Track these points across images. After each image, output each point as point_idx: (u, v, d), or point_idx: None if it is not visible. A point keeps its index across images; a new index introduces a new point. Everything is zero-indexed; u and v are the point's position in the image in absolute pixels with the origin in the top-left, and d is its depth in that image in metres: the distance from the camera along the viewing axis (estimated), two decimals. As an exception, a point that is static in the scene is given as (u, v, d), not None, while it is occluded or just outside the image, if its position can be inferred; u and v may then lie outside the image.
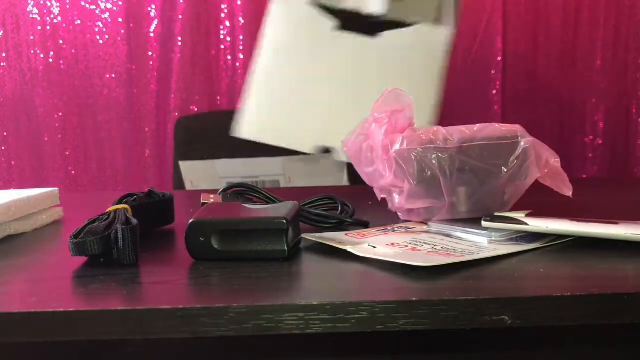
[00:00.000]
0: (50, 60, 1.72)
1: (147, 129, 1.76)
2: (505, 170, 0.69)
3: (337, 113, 1.09)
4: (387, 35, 1.08)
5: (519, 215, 0.66)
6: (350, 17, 1.09)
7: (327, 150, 1.09)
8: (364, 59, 1.09)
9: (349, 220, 0.72)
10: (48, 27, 1.71)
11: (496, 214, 0.68)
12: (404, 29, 1.08)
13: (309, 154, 1.14)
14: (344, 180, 1.30)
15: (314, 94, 1.09)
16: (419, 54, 1.10)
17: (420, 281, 0.52)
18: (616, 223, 0.62)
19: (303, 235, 0.64)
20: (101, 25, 1.72)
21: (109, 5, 1.71)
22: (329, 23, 1.09)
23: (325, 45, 1.09)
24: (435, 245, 0.61)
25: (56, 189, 0.80)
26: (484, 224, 0.64)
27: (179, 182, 1.51)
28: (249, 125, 1.11)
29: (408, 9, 1.11)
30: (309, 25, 1.09)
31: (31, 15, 1.71)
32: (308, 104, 1.09)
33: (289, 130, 1.09)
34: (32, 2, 1.71)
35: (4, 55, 1.72)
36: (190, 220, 0.58)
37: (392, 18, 1.09)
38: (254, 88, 1.12)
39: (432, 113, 1.09)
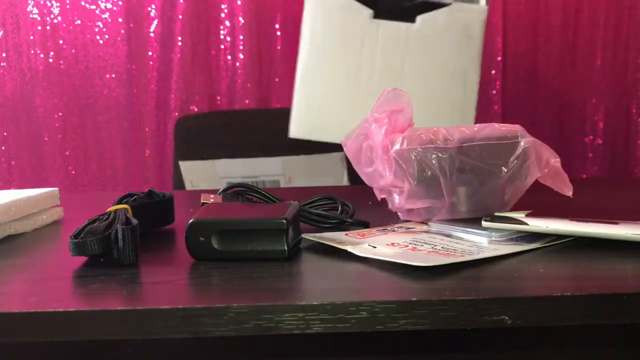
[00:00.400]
0: (50, 60, 1.72)
1: (147, 129, 1.76)
2: (505, 170, 0.69)
3: None
4: (423, 19, 1.08)
5: (519, 215, 0.66)
6: (386, 4, 1.09)
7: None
8: (403, 45, 1.08)
9: (349, 220, 0.72)
10: (48, 27, 1.71)
11: (496, 214, 0.68)
12: (438, 10, 1.08)
13: (308, 155, 1.14)
14: (344, 180, 1.30)
15: (359, 85, 1.09)
16: (456, 34, 1.10)
17: (420, 281, 0.52)
18: (616, 223, 0.62)
19: (303, 235, 0.64)
20: (101, 25, 1.72)
21: (109, 5, 1.71)
22: (365, 12, 1.09)
23: (365, 34, 1.08)
24: (435, 245, 0.61)
25: (56, 189, 0.80)
26: (484, 224, 0.64)
27: (179, 182, 1.51)
28: (299, 124, 1.11)
29: None
30: (347, 16, 1.09)
31: (31, 15, 1.71)
32: (354, 95, 1.09)
33: (338, 124, 1.08)
34: (32, 2, 1.71)
35: (4, 55, 1.72)
36: (190, 220, 0.58)
37: (428, 0, 1.09)
38: (299, 86, 1.12)
39: (477, 90, 1.09)
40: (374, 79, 1.08)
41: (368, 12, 1.09)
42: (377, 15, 1.09)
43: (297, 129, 1.11)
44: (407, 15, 1.08)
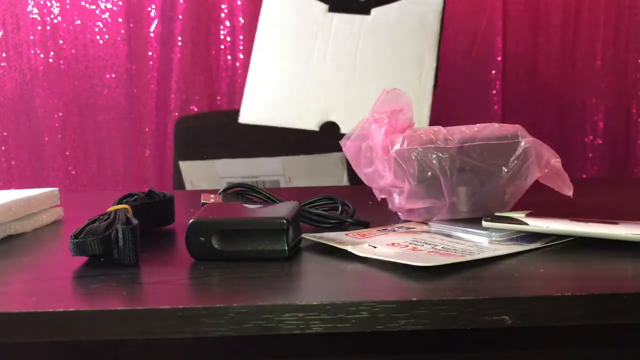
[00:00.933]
0: (50, 60, 1.71)
1: (147, 129, 1.76)
2: (506, 170, 0.69)
3: (337, 90, 1.11)
4: (377, 11, 1.12)
5: (519, 215, 0.65)
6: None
7: (331, 124, 1.12)
8: (356, 35, 1.12)
9: (349, 220, 0.72)
10: (48, 27, 1.71)
11: (496, 214, 0.68)
12: (392, 4, 1.13)
13: (308, 155, 1.15)
14: (344, 180, 1.30)
15: (312, 74, 1.12)
16: (410, 24, 1.13)
17: (420, 281, 0.52)
18: (616, 223, 0.62)
19: (303, 235, 0.64)
20: (101, 25, 1.72)
21: (109, 5, 1.71)
22: (321, 5, 1.13)
23: (318, 26, 1.13)
24: (435, 245, 0.61)
25: (56, 189, 0.80)
26: (484, 224, 0.64)
27: (179, 182, 1.51)
28: (252, 110, 1.14)
29: None
30: (302, 8, 1.13)
31: (31, 15, 1.71)
32: (307, 83, 1.12)
33: (291, 110, 1.12)
34: (32, 2, 1.71)
35: (4, 55, 1.72)
36: (191, 220, 0.58)
37: None
38: (253, 73, 1.15)
39: (433, 76, 1.12)
40: (325, 67, 1.12)
41: (323, 6, 1.13)
42: (333, 9, 1.13)
43: (246, 114, 1.15)
44: (362, 8, 1.12)
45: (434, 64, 1.12)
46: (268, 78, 1.14)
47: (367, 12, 1.12)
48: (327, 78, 1.12)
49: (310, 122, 1.12)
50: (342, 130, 1.11)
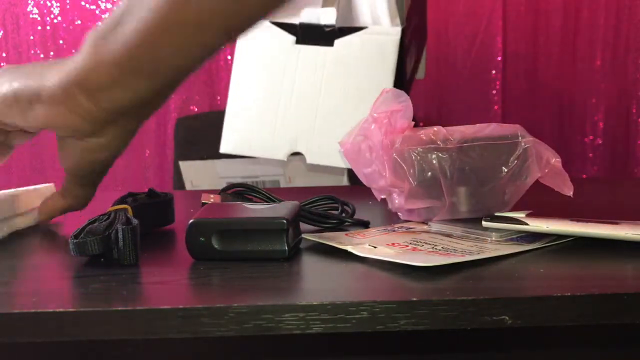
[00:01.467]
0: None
1: (147, 129, 1.76)
2: (506, 170, 0.69)
3: (305, 120, 1.16)
4: (339, 42, 1.18)
5: (519, 215, 0.65)
6: (307, 30, 1.20)
7: (298, 155, 1.19)
8: (323, 66, 1.18)
9: (349, 220, 0.72)
10: (48, 27, 1.71)
11: (496, 214, 0.68)
12: (354, 34, 1.18)
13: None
14: (344, 181, 1.30)
15: (279, 107, 1.19)
16: (369, 54, 1.18)
17: (420, 281, 0.52)
18: (616, 223, 0.62)
19: (303, 235, 0.64)
20: (101, 25, 1.71)
21: (109, 5, 1.71)
22: (289, 37, 1.19)
23: (287, 59, 1.19)
24: (435, 245, 0.61)
25: (52, 184, 0.81)
26: (484, 224, 0.64)
27: (179, 182, 1.51)
28: (230, 141, 1.21)
29: (355, 15, 1.22)
30: (272, 41, 1.20)
31: (31, 15, 1.71)
32: (277, 115, 1.19)
33: (263, 142, 1.19)
34: (32, 2, 1.71)
35: (4, 55, 1.72)
36: (191, 221, 0.58)
37: (344, 25, 1.20)
38: (229, 106, 1.22)
39: None
40: (292, 101, 1.18)
41: (291, 38, 1.19)
42: (299, 41, 1.19)
43: (225, 145, 1.21)
44: (326, 39, 1.19)
45: None
46: (243, 111, 1.21)
47: (331, 43, 1.18)
48: (294, 110, 1.18)
49: (279, 153, 1.18)
50: (308, 161, 1.17)
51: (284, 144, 1.17)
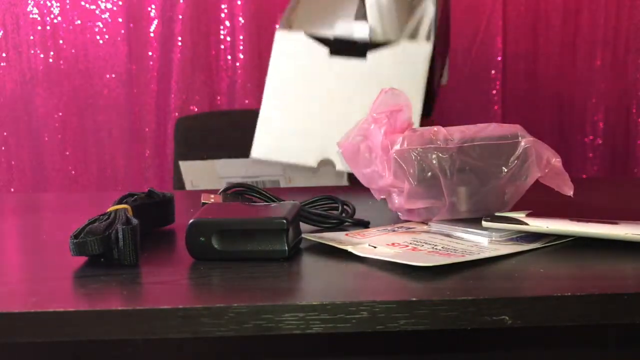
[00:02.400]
0: (50, 60, 1.71)
1: (147, 129, 1.75)
2: (506, 170, 0.69)
3: (336, 128, 1.19)
4: (371, 56, 1.24)
5: (519, 215, 0.66)
6: (341, 44, 1.25)
7: (328, 161, 1.24)
8: (354, 79, 1.24)
9: (349, 220, 0.72)
10: (48, 27, 1.71)
11: (496, 214, 0.68)
12: (386, 47, 1.24)
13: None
14: (344, 181, 1.30)
15: (314, 115, 1.24)
16: (401, 68, 1.24)
17: (420, 281, 0.52)
18: (616, 223, 0.62)
19: (303, 235, 0.64)
20: (101, 25, 1.71)
21: (109, 5, 1.71)
22: (324, 50, 1.25)
23: (321, 69, 1.25)
24: (435, 245, 0.61)
25: None
26: (484, 224, 0.64)
27: (179, 182, 1.51)
28: (262, 146, 1.26)
29: (388, 30, 1.28)
30: (308, 53, 1.25)
31: (31, 15, 1.71)
32: (309, 124, 1.24)
33: (294, 148, 1.24)
34: (32, 2, 1.71)
35: (4, 55, 1.72)
36: (191, 220, 0.58)
37: (376, 40, 1.25)
38: (263, 113, 1.27)
39: (419, 118, 1.23)
40: (324, 109, 1.24)
41: (325, 50, 1.25)
42: (335, 53, 1.25)
43: (257, 150, 1.26)
44: (362, 53, 1.25)
45: (420, 107, 1.22)
46: (276, 118, 1.26)
47: (364, 56, 1.24)
48: (326, 118, 1.23)
49: (310, 159, 1.24)
50: (337, 168, 1.23)
51: (314, 151, 1.23)
